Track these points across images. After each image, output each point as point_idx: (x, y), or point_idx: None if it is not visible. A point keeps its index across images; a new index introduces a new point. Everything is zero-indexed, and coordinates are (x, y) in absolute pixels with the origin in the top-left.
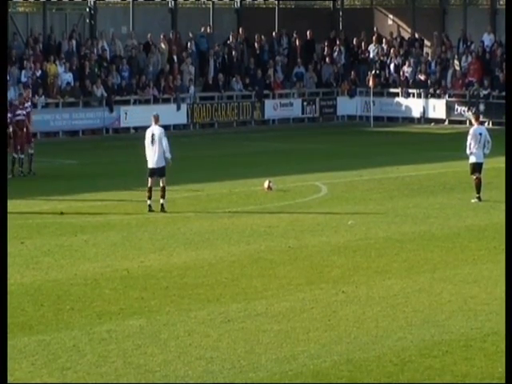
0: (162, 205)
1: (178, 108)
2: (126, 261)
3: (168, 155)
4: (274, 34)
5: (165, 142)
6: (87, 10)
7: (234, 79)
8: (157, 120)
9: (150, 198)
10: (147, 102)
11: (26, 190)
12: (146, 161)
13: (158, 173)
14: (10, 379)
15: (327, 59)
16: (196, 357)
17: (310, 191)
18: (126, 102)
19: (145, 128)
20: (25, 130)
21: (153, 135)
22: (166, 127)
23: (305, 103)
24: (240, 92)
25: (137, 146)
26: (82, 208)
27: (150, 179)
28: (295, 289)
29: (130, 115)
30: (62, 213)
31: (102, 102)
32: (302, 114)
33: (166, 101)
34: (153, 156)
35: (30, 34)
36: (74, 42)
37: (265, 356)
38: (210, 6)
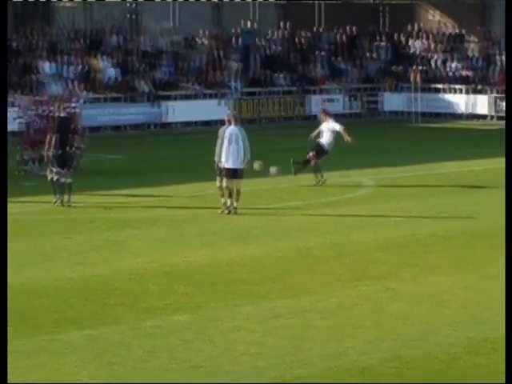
0: (235, 208)
1: (221, 104)
2: (171, 256)
3: (248, 157)
4: (317, 29)
5: (246, 143)
6: (131, 5)
7: (278, 74)
8: (236, 120)
9: (224, 196)
10: (191, 97)
11: (75, 185)
12: (214, 160)
13: (234, 174)
14: (57, 374)
15: (371, 54)
16: (242, 352)
17: (355, 187)
18: (170, 98)
19: (188, 123)
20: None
21: (233, 135)
22: (209, 123)
23: (348, 99)
24: (284, 87)
25: (181, 141)
26: (127, 203)
27: (224, 179)
28: (342, 285)
29: (174, 110)
30: (107, 208)
31: (146, 97)
32: (346, 109)
33: (210, 96)
34: (231, 156)
35: (74, 28)
36: (118, 36)
37: (312, 352)
38: (255, 1)
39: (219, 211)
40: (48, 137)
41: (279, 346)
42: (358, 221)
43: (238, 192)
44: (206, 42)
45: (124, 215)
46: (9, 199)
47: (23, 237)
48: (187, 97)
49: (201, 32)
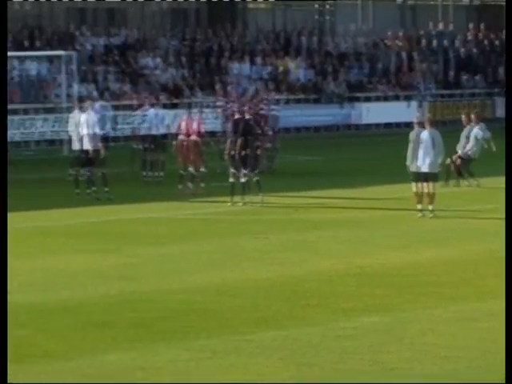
0: (433, 211)
1: (411, 105)
2: (360, 258)
3: (442, 160)
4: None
5: (441, 147)
6: (323, 6)
7: (470, 77)
8: (431, 123)
9: (421, 201)
10: (380, 98)
11: (266, 186)
12: (406, 164)
13: (429, 178)
14: (248, 374)
15: None
16: (433, 355)
17: None
18: (360, 99)
19: (379, 125)
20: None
21: (428, 138)
22: (397, 124)
23: None
24: (473, 89)
25: (373, 143)
26: (319, 204)
27: (417, 184)
28: None
29: (368, 112)
30: (297, 209)
31: (336, 99)
32: None
33: (400, 98)
34: (426, 160)
35: (265, 29)
36: (309, 38)
37: (501, 356)
38: (445, 2)
39: (418, 215)
40: (230, 139)
41: (471, 349)
42: None
43: (433, 195)
44: (397, 44)
45: (315, 216)
46: (203, 199)
47: (216, 237)
48: (377, 98)
49: (391, 33)
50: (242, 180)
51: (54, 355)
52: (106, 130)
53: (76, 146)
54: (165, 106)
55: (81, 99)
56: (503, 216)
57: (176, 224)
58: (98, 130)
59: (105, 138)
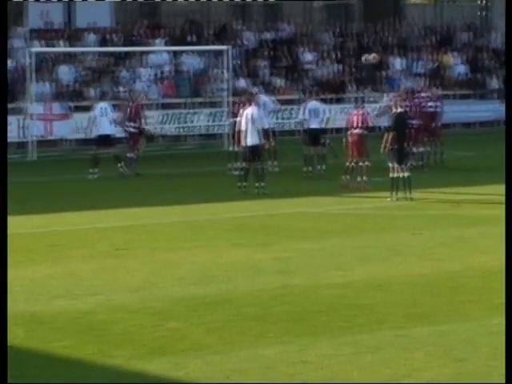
0: None
1: None
2: None
3: None
4: None
5: None
6: (482, 2)
7: None
8: None
9: None
10: None
11: (422, 182)
12: None
13: None
14: (404, 369)
15: None
16: None
17: None
18: None
19: None
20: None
21: None
22: None
23: None
24: None
25: None
26: (477, 200)
27: None
28: None
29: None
30: (456, 204)
31: (496, 94)
32: None
33: None
34: None
35: (425, 25)
36: (468, 33)
37: None
38: None
39: None
40: (387, 133)
41: None
42: None
43: None
44: None
45: (474, 212)
46: (363, 194)
47: (372, 231)
48: None
49: None
50: (397, 175)
51: (207, 348)
52: (270, 125)
53: (244, 141)
54: (324, 101)
55: (244, 94)
56: None
57: (330, 218)
58: (264, 125)
59: (271, 133)
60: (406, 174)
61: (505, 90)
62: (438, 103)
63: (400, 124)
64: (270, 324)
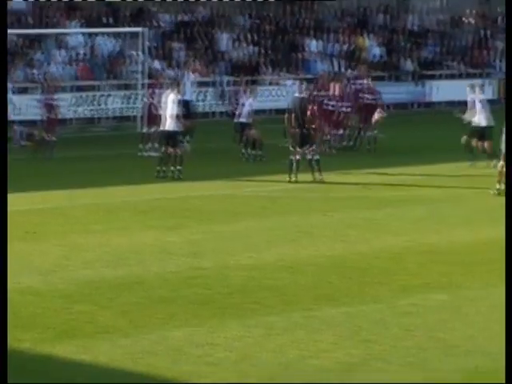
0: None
1: (486, 83)
2: (430, 235)
3: None
4: None
5: None
6: None
7: None
8: None
9: (501, 180)
10: (455, 76)
11: (328, 164)
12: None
13: None
14: (313, 350)
15: None
16: (498, 332)
17: None
18: (434, 77)
19: (452, 103)
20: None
21: None
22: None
23: None
24: None
25: (444, 121)
26: (388, 182)
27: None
28: None
29: (438, 90)
30: (368, 187)
31: (410, 76)
32: None
33: (474, 76)
34: None
35: (341, 7)
36: (384, 15)
37: None
38: None
39: (491, 192)
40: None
41: None
42: None
43: None
44: (472, 22)
45: (384, 194)
46: (264, 177)
47: (282, 213)
48: (452, 76)
49: (468, 11)
50: (298, 157)
51: (116, 331)
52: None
53: (163, 125)
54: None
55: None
56: None
57: (241, 201)
58: (175, 113)
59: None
60: (315, 157)
61: (505, 87)
62: (378, 95)
63: (300, 108)
64: (179, 306)
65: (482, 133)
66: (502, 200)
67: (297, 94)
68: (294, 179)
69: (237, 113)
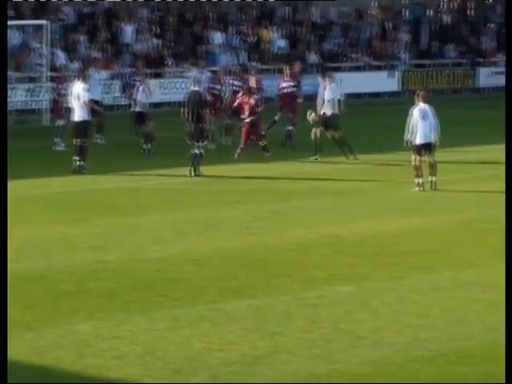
0: (435, 183)
1: (391, 75)
2: (336, 227)
3: (439, 134)
4: (488, 0)
5: (436, 120)
6: None
7: (448, 46)
8: (424, 98)
9: (418, 176)
10: (359, 68)
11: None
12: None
13: (428, 148)
14: (219, 343)
15: None
16: (405, 324)
17: None
18: (340, 69)
19: (359, 95)
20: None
21: (422, 112)
22: (377, 94)
23: None
24: (453, 60)
25: (351, 114)
26: (293, 174)
27: (417, 157)
28: None
29: (343, 82)
30: (272, 178)
31: (315, 69)
32: None
33: (379, 68)
34: (424, 131)
35: None
36: (288, 8)
37: (474, 325)
38: None
39: (414, 189)
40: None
41: (441, 318)
42: None
43: (434, 166)
44: (375, 14)
45: (290, 186)
46: (168, 171)
47: (188, 206)
48: (356, 68)
49: (371, 3)
50: (195, 151)
51: (22, 326)
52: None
53: (72, 116)
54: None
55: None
56: (477, 186)
57: (147, 194)
58: (86, 100)
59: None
60: (199, 151)
61: (505, 87)
62: (294, 83)
63: (193, 102)
64: (85, 300)
65: (327, 121)
66: (408, 193)
67: (192, 87)
68: (193, 173)
69: (133, 103)
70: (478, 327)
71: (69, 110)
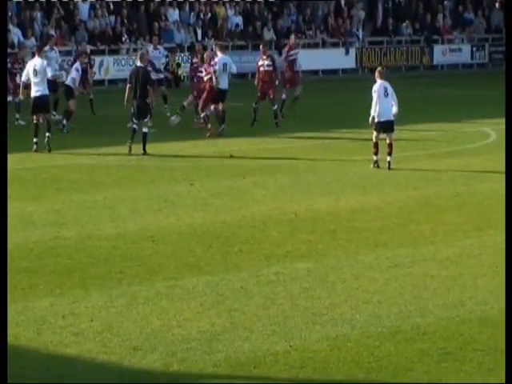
0: (389, 162)
1: (347, 52)
2: (293, 204)
3: (395, 110)
4: None
5: (395, 96)
6: None
7: (403, 24)
8: (382, 75)
9: (376, 153)
10: (316, 45)
11: (194, 133)
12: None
13: (388, 127)
14: (177, 319)
15: (497, 4)
16: (363, 300)
17: (479, 137)
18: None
19: (316, 72)
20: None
21: (382, 89)
22: (334, 71)
23: (474, 49)
24: (409, 37)
25: (306, 90)
26: (250, 151)
27: (376, 134)
28: (463, 235)
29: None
30: (231, 156)
31: (270, 45)
32: (471, 59)
33: (335, 45)
34: (385, 109)
35: None
36: None
37: (432, 301)
38: None
39: (371, 166)
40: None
41: (399, 294)
42: (482, 171)
43: (392, 145)
44: None
45: (247, 163)
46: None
47: (145, 183)
48: (313, 45)
49: None
50: (135, 127)
51: None
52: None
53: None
54: (102, 53)
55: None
56: (433, 163)
57: (103, 170)
58: (48, 76)
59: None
60: (144, 130)
61: (505, 86)
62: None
63: (138, 78)
64: (42, 276)
65: (219, 96)
66: (365, 170)
67: (138, 63)
68: (131, 151)
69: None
70: (435, 304)
71: (25, 87)
